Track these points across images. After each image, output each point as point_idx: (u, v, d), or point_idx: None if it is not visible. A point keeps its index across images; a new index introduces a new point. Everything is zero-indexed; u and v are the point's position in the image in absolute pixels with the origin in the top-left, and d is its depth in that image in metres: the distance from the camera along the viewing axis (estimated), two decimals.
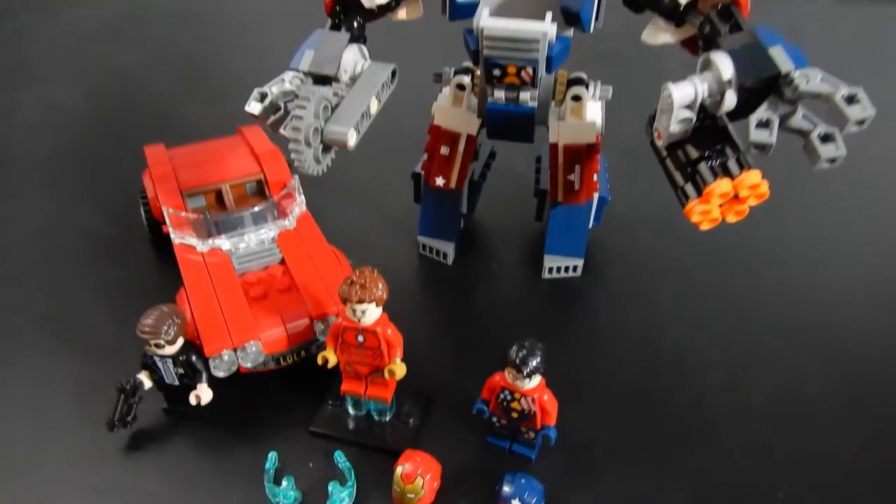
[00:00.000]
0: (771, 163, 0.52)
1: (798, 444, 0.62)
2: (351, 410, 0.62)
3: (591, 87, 0.69)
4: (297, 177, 0.74)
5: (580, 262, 0.78)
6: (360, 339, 0.56)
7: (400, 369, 0.57)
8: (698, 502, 0.57)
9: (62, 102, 1.12)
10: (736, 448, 0.61)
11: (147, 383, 0.60)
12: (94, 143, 1.02)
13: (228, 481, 0.58)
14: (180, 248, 0.69)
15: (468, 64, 0.73)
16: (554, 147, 0.70)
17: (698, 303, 0.76)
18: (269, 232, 0.70)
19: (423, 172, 0.76)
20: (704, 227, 0.55)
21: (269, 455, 0.58)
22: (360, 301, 0.53)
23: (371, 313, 0.54)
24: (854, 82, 0.48)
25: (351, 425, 0.61)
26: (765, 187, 0.53)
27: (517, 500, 0.53)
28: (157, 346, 0.57)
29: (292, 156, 0.55)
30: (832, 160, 0.49)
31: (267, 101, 0.60)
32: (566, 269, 0.79)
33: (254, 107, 0.60)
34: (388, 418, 0.62)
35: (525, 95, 0.63)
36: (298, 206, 0.74)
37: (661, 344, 0.71)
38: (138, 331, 0.56)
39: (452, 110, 0.71)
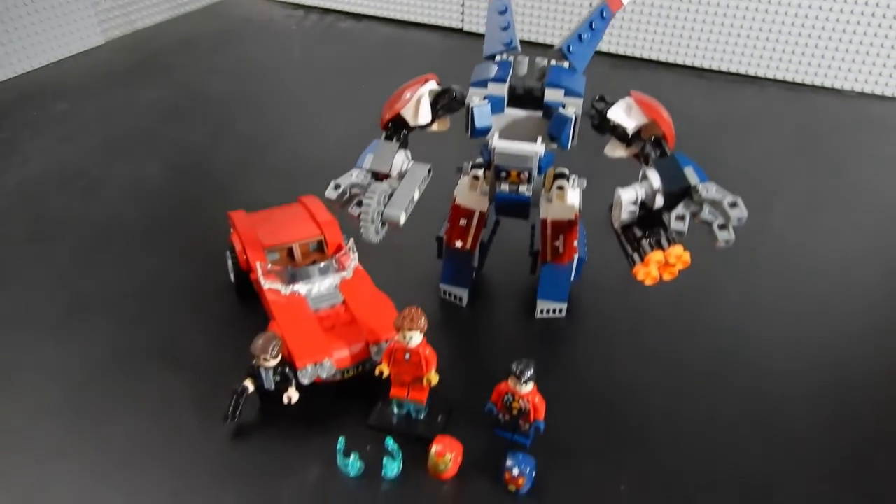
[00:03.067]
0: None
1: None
2: (395, 410, 0.85)
3: (571, 180, 0.95)
4: (352, 239, 0.99)
5: (564, 306, 1.02)
6: (407, 356, 0.80)
7: (434, 378, 0.81)
8: (643, 487, 0.79)
9: (146, 175, 1.38)
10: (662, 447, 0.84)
11: (251, 388, 0.83)
12: (176, 211, 1.27)
13: (309, 455, 0.80)
14: (269, 292, 0.92)
15: (481, 160, 0.99)
16: (544, 221, 0.95)
17: (651, 342, 0.99)
18: (333, 280, 0.95)
19: (445, 237, 1.01)
20: (647, 283, 0.80)
21: (339, 439, 0.79)
22: (409, 329, 0.77)
23: (416, 338, 0.79)
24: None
25: (396, 421, 0.84)
26: (687, 256, 0.78)
27: (517, 468, 0.76)
28: (265, 359, 0.80)
29: (361, 229, 0.81)
30: (727, 241, 0.75)
31: (340, 190, 0.85)
32: (553, 311, 1.03)
33: (331, 193, 0.84)
34: (422, 416, 0.84)
35: (523, 188, 0.89)
36: (353, 261, 0.98)
37: (616, 371, 0.94)
38: (252, 349, 0.80)
39: (469, 193, 0.97)
